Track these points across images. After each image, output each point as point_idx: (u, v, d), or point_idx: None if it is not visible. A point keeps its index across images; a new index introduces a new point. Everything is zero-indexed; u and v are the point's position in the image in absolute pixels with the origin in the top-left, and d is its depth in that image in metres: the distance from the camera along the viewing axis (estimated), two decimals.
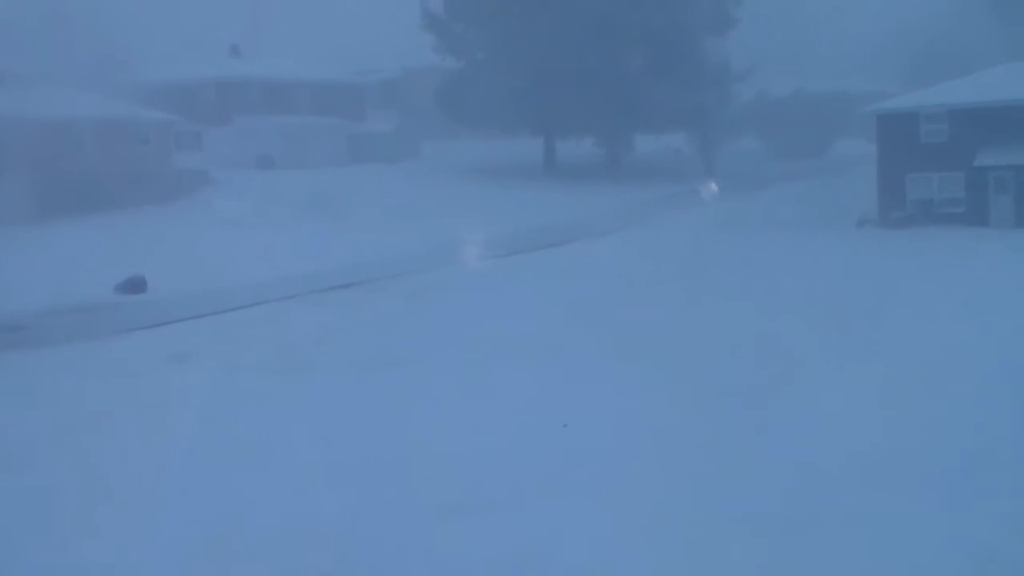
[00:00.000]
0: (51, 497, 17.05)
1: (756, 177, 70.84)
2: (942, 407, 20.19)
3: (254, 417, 21.01)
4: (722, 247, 43.57)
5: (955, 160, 49.81)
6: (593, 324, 29.07)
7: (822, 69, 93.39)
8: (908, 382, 22.18)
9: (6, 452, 19.35)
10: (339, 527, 15.34)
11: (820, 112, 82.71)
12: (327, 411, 21.51)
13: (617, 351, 25.73)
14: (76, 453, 19.46)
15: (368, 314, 32.42)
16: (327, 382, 23.92)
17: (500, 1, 73.73)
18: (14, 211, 47.27)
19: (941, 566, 13.56)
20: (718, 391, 21.66)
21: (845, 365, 23.89)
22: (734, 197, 60.76)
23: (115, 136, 59.57)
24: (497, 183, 67.85)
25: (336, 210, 54.65)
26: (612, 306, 31.88)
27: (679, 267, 38.68)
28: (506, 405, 21.48)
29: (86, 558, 14.83)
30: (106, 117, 60.01)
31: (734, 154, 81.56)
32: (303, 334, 29.59)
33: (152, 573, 14.45)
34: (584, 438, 18.98)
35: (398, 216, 53.51)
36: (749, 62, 76.52)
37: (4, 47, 61.26)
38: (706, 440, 18.54)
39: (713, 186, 63.32)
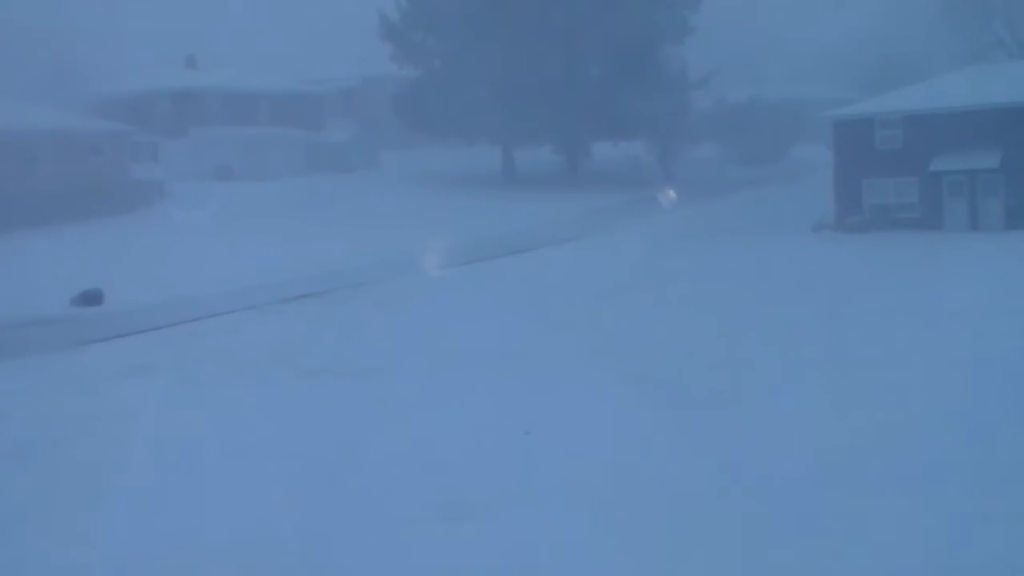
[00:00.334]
0: None
1: (714, 184, 71.19)
2: (894, 410, 20.31)
3: (210, 430, 20.82)
4: (681, 255, 43.71)
5: (910, 165, 50.30)
6: (554, 332, 29.08)
7: (779, 76, 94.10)
8: (862, 385, 22.31)
9: None
10: (296, 540, 15.19)
11: (777, 119, 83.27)
12: (285, 423, 21.34)
13: (578, 359, 25.73)
14: (24, 467, 19.21)
15: (329, 324, 32.27)
16: (286, 393, 23.75)
17: (459, 10, 73.72)
18: None
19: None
20: (678, 398, 21.69)
21: (803, 370, 23.98)
22: (693, 204, 61.01)
23: (70, 148, 59.17)
24: (456, 192, 67.86)
25: (295, 221, 54.51)
26: (573, 314, 31.89)
27: (638, 275, 38.74)
28: (468, 414, 21.40)
29: None
30: (61, 129, 59.63)
31: (693, 161, 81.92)
32: (262, 345, 29.39)
33: None
34: (545, 445, 18.93)
35: (358, 226, 53.40)
36: (707, 70, 76.93)
37: None
38: (668, 446, 18.56)
39: (672, 193, 63.58)
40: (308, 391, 23.90)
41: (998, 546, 13.99)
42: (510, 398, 22.42)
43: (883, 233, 49.13)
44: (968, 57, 71.03)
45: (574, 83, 73.08)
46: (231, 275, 40.44)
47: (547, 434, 19.57)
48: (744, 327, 28.89)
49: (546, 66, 72.37)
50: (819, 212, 52.81)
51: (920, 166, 50.03)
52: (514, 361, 25.73)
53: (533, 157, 78.78)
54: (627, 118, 72.79)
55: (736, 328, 28.76)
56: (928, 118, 50.63)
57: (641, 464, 17.75)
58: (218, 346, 29.41)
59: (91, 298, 37.00)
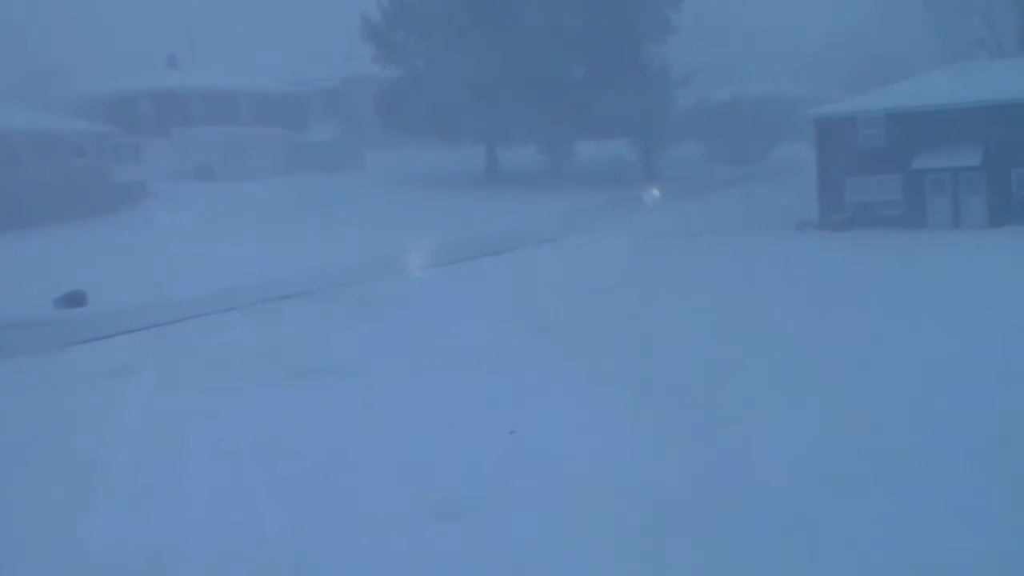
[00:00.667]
0: None
1: (698, 182, 71.29)
2: (879, 407, 20.38)
3: (194, 431, 20.75)
4: (664, 254, 43.75)
5: (893, 163, 50.47)
6: (537, 332, 29.06)
7: (762, 75, 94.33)
8: (847, 384, 22.37)
9: None
10: (284, 540, 15.14)
11: (760, 117, 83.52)
12: (271, 423, 21.29)
13: (562, 359, 25.75)
14: (4, 469, 19.13)
15: (312, 324, 32.21)
16: (271, 394, 23.70)
17: (441, 10, 73.67)
18: None
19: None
20: (661, 397, 21.70)
21: (788, 368, 24.04)
22: (676, 203, 61.09)
23: (52, 149, 58.93)
24: (440, 192, 67.82)
25: (279, 221, 54.40)
26: (557, 314, 31.88)
27: (621, 275, 38.76)
28: (453, 413, 21.38)
29: None
30: (42, 130, 59.38)
31: (676, 159, 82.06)
32: (246, 346, 29.32)
33: None
34: (531, 444, 18.93)
35: (341, 226, 53.29)
36: (689, 68, 77.03)
37: None
38: (651, 445, 18.58)
39: (655, 192, 63.70)
40: (293, 391, 23.86)
41: (984, 546, 14.03)
42: (495, 397, 22.40)
43: (866, 231, 49.28)
44: (950, 55, 71.31)
45: (557, 82, 73.07)
46: (215, 276, 40.31)
47: (532, 433, 19.57)
48: (727, 326, 28.94)
49: (528, 66, 72.35)
50: (802, 210, 52.93)
51: (903, 164, 50.19)
52: (498, 361, 25.71)
53: (516, 157, 78.78)
54: (610, 117, 72.86)
55: (719, 327, 28.82)
56: (910, 116, 50.81)
57: (625, 463, 17.76)
58: (202, 347, 29.32)
59: (74, 300, 36.82)
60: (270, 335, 30.79)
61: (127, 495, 17.22)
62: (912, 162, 50.02)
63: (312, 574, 14.11)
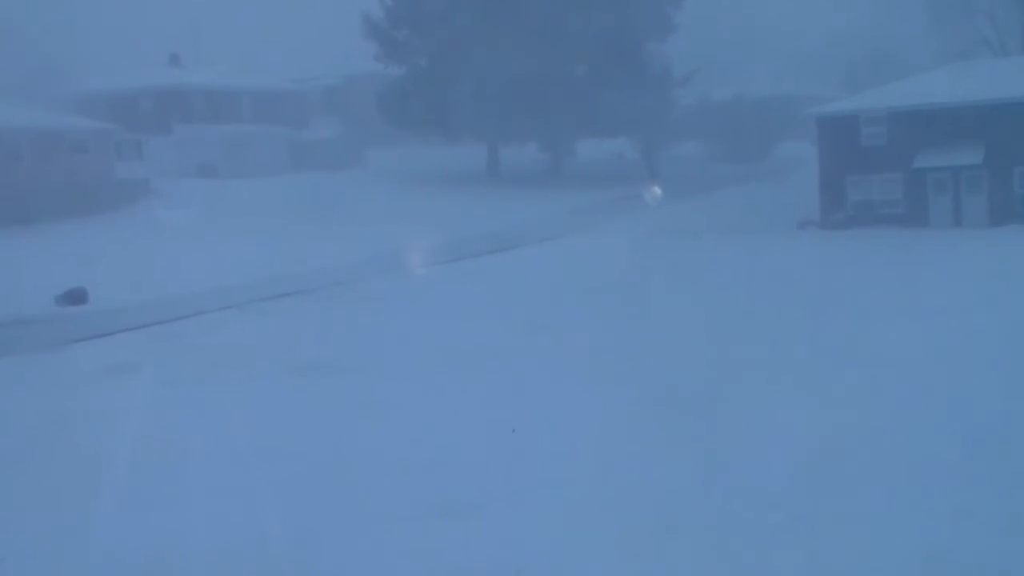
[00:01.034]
0: None
1: (699, 181, 71.25)
2: (880, 407, 20.38)
3: (195, 428, 20.76)
4: (664, 253, 43.75)
5: (894, 162, 50.41)
6: (538, 331, 29.06)
7: (763, 73, 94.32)
8: (848, 383, 22.37)
9: None
10: (286, 539, 15.14)
11: (762, 116, 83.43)
12: (271, 421, 21.29)
13: (562, 358, 25.75)
14: (6, 466, 19.14)
15: (312, 322, 32.22)
16: (271, 391, 23.70)
17: (443, 9, 73.67)
18: None
19: None
20: (661, 397, 21.69)
21: (788, 368, 24.02)
22: (677, 201, 61.07)
23: (54, 146, 58.93)
24: (441, 190, 67.80)
25: (280, 219, 54.38)
26: (557, 313, 31.90)
27: (622, 274, 38.77)
28: (454, 411, 21.38)
29: None
30: (44, 127, 59.40)
31: (677, 158, 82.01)
32: (247, 343, 29.33)
33: None
34: (532, 442, 18.93)
35: (342, 224, 53.32)
36: (690, 67, 77.03)
37: None
38: (649, 445, 18.57)
39: (656, 191, 63.66)
40: (293, 389, 23.85)
41: (984, 545, 14.02)
42: (496, 396, 22.40)
43: (868, 230, 49.24)
44: (952, 54, 71.26)
45: (558, 81, 73.07)
46: (216, 273, 40.34)
47: (533, 432, 19.56)
48: (729, 325, 28.91)
49: (530, 64, 72.32)
50: (804, 209, 52.90)
51: (904, 163, 50.14)
52: (499, 359, 25.70)
53: (518, 155, 78.78)
54: (611, 116, 72.82)
55: (721, 326, 28.78)
56: (912, 115, 50.75)
57: (627, 462, 17.75)
58: (203, 344, 29.33)
59: (75, 297, 36.84)
60: (271, 333, 30.81)
61: (127, 492, 17.22)
62: (914, 161, 49.97)
63: (313, 573, 14.11)
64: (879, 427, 19.07)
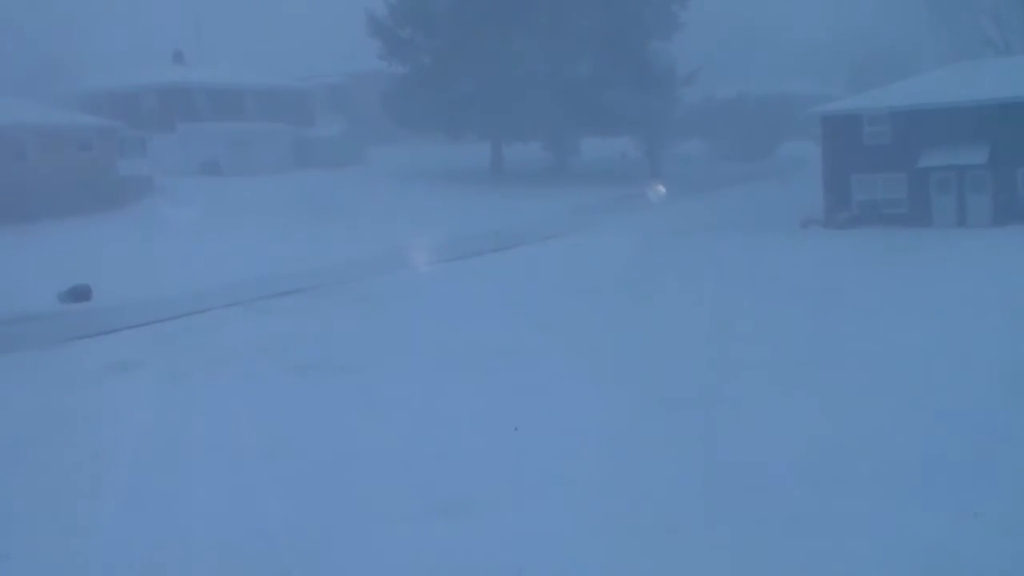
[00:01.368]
0: None
1: (703, 180, 71.25)
2: (883, 407, 20.38)
3: (198, 426, 20.76)
4: (667, 251, 43.74)
5: (898, 161, 50.37)
6: (540, 329, 29.07)
7: (767, 72, 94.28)
8: (851, 383, 22.37)
9: None
10: (289, 537, 15.13)
11: (765, 114, 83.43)
12: (274, 419, 21.29)
13: (564, 356, 25.74)
14: (10, 463, 19.15)
15: (315, 320, 32.21)
16: (274, 389, 23.70)
17: (447, 6, 73.66)
18: None
19: None
20: (664, 396, 21.68)
21: (792, 367, 24.02)
22: (681, 200, 61.08)
23: (57, 143, 58.98)
24: (445, 188, 67.80)
25: (283, 216, 54.41)
26: (559, 311, 31.89)
27: (626, 272, 38.78)
28: (457, 410, 21.39)
29: None
30: (48, 124, 59.44)
31: (680, 157, 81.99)
32: (249, 341, 29.32)
33: None
34: (534, 441, 18.93)
35: (346, 221, 53.32)
36: (694, 65, 77.02)
37: None
38: (650, 444, 18.57)
39: (660, 189, 63.68)
40: (296, 387, 23.86)
41: (990, 544, 14.02)
42: (498, 394, 22.39)
43: (871, 229, 49.21)
44: (956, 53, 71.29)
45: (562, 79, 73.05)
46: (219, 271, 40.35)
47: (535, 430, 19.57)
48: (731, 323, 28.89)
49: (534, 62, 72.33)
50: (807, 208, 52.88)
51: (908, 162, 50.10)
52: (501, 357, 25.69)
53: (521, 153, 78.75)
54: (615, 114, 72.79)
55: (723, 325, 28.76)
56: (916, 114, 50.70)
57: (627, 461, 17.76)
58: (205, 342, 29.32)
59: (79, 294, 36.85)
60: (273, 331, 30.78)
61: (128, 489, 17.24)
62: (918, 160, 49.92)
63: (314, 571, 14.12)
64: (880, 427, 19.07)
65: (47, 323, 33.29)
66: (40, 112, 60.58)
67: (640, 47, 75.32)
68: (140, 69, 77.75)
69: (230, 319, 32.74)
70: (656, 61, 76.13)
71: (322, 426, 20.72)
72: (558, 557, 14.15)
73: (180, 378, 24.83)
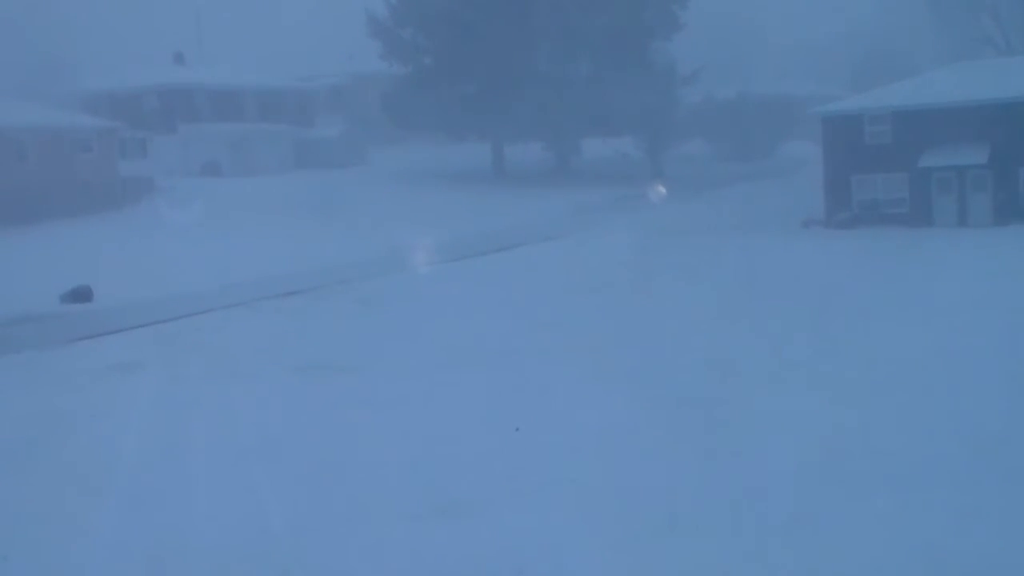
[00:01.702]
0: None
1: (703, 180, 71.23)
2: (884, 407, 20.38)
3: (199, 426, 20.77)
4: (668, 251, 43.70)
5: (899, 161, 50.34)
6: (541, 329, 29.07)
7: (768, 72, 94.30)
8: (852, 382, 22.37)
9: None
10: (291, 537, 15.15)
11: (766, 114, 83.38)
12: (275, 419, 21.31)
13: (565, 356, 25.74)
14: (11, 464, 19.16)
15: (316, 321, 32.23)
16: (275, 390, 23.71)
17: (448, 7, 73.64)
18: None
19: None
20: (665, 395, 21.69)
21: (793, 367, 24.01)
22: (682, 200, 61.06)
23: (58, 145, 58.98)
24: (446, 188, 67.78)
25: (284, 217, 54.42)
26: (560, 311, 31.89)
27: (626, 272, 38.76)
28: (458, 410, 21.41)
29: None
30: (48, 125, 59.43)
31: (681, 157, 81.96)
32: (250, 342, 29.34)
33: None
34: (535, 441, 18.94)
35: (347, 222, 53.30)
36: (695, 65, 77.00)
37: None
38: (651, 443, 18.57)
39: (661, 189, 63.66)
40: (297, 388, 23.87)
41: (989, 543, 14.02)
42: (499, 394, 22.41)
43: (872, 229, 49.18)
44: (956, 53, 71.26)
45: (563, 79, 73.05)
46: (220, 272, 40.35)
47: (537, 430, 19.57)
48: (732, 323, 28.90)
49: (535, 63, 72.33)
50: (808, 208, 52.85)
51: (909, 162, 50.06)
52: (503, 357, 25.71)
53: (523, 154, 78.72)
54: (616, 114, 72.78)
55: (724, 324, 28.77)
56: (917, 114, 50.67)
57: (628, 460, 17.76)
58: (206, 343, 29.35)
59: (80, 295, 36.86)
60: (275, 331, 30.81)
61: (130, 489, 17.25)
62: (919, 160, 49.89)
63: (315, 571, 14.12)
64: (881, 426, 19.07)
65: (48, 324, 33.30)
66: (41, 113, 60.56)
67: (641, 47, 75.30)
68: (141, 70, 77.72)
69: (231, 320, 32.75)
70: (657, 61, 76.13)
71: (323, 426, 20.73)
72: (558, 557, 14.15)
73: (181, 379, 24.84)
